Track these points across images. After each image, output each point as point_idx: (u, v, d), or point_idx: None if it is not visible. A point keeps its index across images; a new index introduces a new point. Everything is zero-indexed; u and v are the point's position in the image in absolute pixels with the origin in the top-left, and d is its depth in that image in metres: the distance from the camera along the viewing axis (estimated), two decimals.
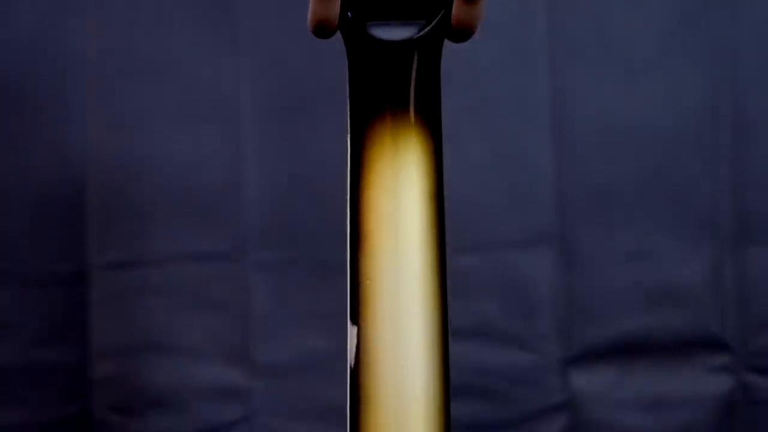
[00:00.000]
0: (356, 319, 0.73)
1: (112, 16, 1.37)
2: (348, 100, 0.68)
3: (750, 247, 1.41)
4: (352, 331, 0.74)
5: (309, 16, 0.68)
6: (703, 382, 1.41)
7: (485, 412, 1.40)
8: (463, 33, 0.69)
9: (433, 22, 0.69)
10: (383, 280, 0.72)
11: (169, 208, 1.38)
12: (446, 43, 0.68)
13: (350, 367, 0.74)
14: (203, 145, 1.38)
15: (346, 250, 0.72)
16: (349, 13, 0.69)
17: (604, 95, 1.40)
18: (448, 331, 0.73)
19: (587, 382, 1.41)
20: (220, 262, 1.39)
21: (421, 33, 0.69)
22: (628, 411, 1.41)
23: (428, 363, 0.73)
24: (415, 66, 0.70)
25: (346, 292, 0.74)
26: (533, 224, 1.41)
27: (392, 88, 0.70)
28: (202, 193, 1.38)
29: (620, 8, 1.40)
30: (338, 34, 0.67)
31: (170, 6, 1.38)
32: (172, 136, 1.38)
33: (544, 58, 1.40)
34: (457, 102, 1.36)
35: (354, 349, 0.74)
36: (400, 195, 0.73)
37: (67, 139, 1.37)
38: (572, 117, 1.40)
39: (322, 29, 0.68)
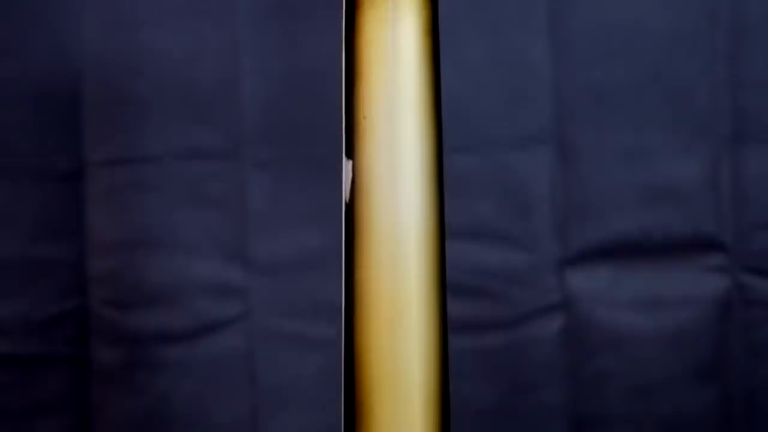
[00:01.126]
0: (351, 154, 0.73)
1: None
2: None
3: (747, 148, 1.41)
4: (347, 165, 0.74)
5: None
6: (699, 282, 1.42)
7: (481, 311, 1.41)
8: None
9: None
10: (379, 113, 0.72)
11: (165, 103, 1.38)
12: None
13: (345, 202, 0.75)
14: (200, 40, 1.38)
15: (341, 89, 0.72)
16: None
17: None
18: (442, 161, 0.73)
19: (583, 281, 1.41)
20: (216, 158, 1.39)
21: None
22: (623, 310, 1.42)
23: (424, 191, 0.73)
24: None
25: (341, 130, 0.73)
26: (530, 124, 1.41)
27: None
28: (199, 89, 1.38)
29: None
30: None
31: None
32: (169, 31, 1.38)
33: None
34: (453, 1, 1.36)
35: (349, 184, 0.74)
36: (397, 28, 0.73)
37: (64, 34, 1.37)
38: (570, 16, 1.40)
39: None
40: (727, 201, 1.41)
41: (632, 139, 1.41)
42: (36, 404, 1.37)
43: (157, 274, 1.38)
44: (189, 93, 1.38)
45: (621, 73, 1.40)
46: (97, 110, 1.37)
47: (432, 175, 0.72)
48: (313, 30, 1.37)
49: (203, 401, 1.38)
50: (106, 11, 1.37)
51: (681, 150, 1.41)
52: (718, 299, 1.42)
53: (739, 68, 1.40)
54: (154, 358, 1.38)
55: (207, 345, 1.39)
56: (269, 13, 1.38)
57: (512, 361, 1.41)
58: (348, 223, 0.74)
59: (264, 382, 1.39)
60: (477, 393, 1.40)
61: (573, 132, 1.41)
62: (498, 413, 1.41)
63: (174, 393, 1.38)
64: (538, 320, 1.41)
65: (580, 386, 1.41)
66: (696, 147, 1.41)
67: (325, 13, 1.34)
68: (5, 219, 1.38)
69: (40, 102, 1.37)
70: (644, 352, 1.42)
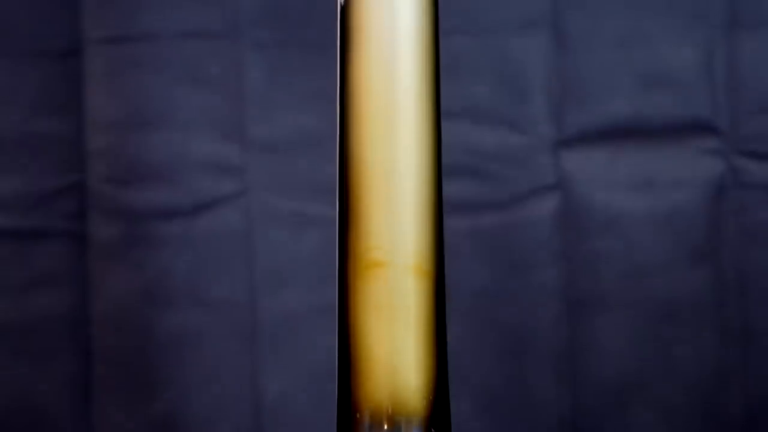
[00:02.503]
0: None
1: None
2: None
3: (742, 33, 1.41)
4: None
5: None
6: (694, 165, 1.43)
7: (476, 192, 1.42)
8: None
9: None
10: None
11: None
12: None
13: (340, 5, 0.76)
14: None
15: None
16: None
17: None
18: None
19: (579, 163, 1.43)
20: (215, 39, 1.39)
21: None
22: (618, 192, 1.43)
23: None
24: None
25: None
26: (527, 7, 1.41)
27: None
28: None
29: None
30: None
31: None
32: None
33: None
34: None
35: None
36: None
37: None
38: None
39: None
40: (722, 85, 1.42)
41: (628, 24, 1.42)
42: (35, 278, 1.38)
43: (156, 151, 1.39)
44: None
45: None
46: None
47: None
48: None
49: (201, 277, 1.40)
50: None
51: (676, 35, 1.42)
52: (712, 182, 1.43)
53: None
54: (152, 234, 1.39)
55: (205, 222, 1.40)
56: None
57: (507, 242, 1.43)
58: (343, 25, 0.75)
59: (261, 260, 1.40)
60: (471, 273, 1.42)
61: (569, 16, 1.41)
62: (492, 293, 1.42)
63: (172, 269, 1.39)
64: (533, 201, 1.42)
65: (574, 267, 1.42)
66: (691, 32, 1.42)
67: None
68: (4, 96, 1.39)
69: None
70: (638, 234, 1.43)
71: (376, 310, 0.80)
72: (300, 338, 1.40)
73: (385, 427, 0.79)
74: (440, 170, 0.79)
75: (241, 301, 1.39)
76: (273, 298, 1.40)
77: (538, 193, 1.42)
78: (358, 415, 0.80)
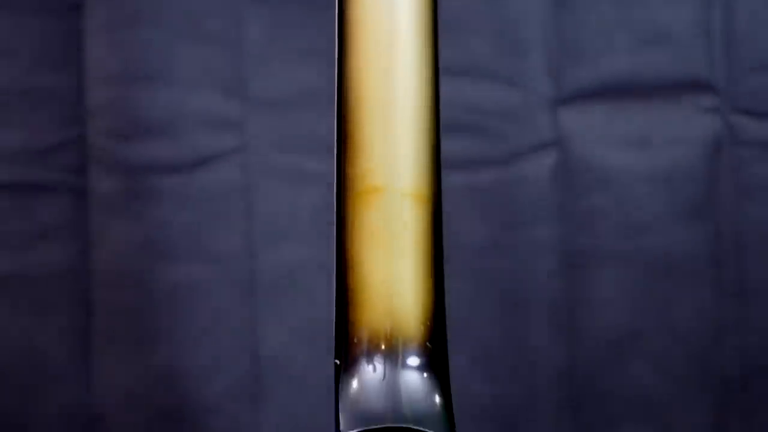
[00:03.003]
0: None
1: None
2: None
3: None
4: None
5: None
6: (691, 122, 1.44)
7: (474, 148, 1.43)
8: None
9: None
10: None
11: None
12: None
13: None
14: None
15: None
16: None
17: None
18: None
19: (576, 120, 1.43)
20: None
21: None
22: (615, 149, 1.44)
23: None
24: None
25: None
26: None
27: None
28: None
29: None
30: None
31: None
32: None
33: None
34: None
35: None
36: None
37: None
38: None
39: None
40: (719, 43, 1.43)
41: None
42: (36, 231, 1.39)
43: (155, 106, 1.40)
44: None
45: None
46: None
47: None
48: None
49: (200, 231, 1.40)
50: None
51: None
52: (709, 139, 1.44)
53: None
54: (152, 189, 1.40)
55: (204, 176, 1.41)
56: None
57: (505, 198, 1.44)
58: None
59: (260, 214, 1.41)
60: (469, 229, 1.43)
61: None
62: (489, 249, 1.43)
63: (172, 223, 1.40)
64: (531, 158, 1.43)
65: (571, 223, 1.43)
66: None
67: None
68: (5, 51, 1.39)
69: None
70: (635, 191, 1.44)
71: (374, 236, 0.81)
72: (298, 292, 1.41)
73: (383, 350, 0.80)
74: (438, 97, 0.79)
75: (240, 255, 1.40)
76: (271, 252, 1.41)
77: (536, 150, 1.43)
78: (355, 340, 0.81)
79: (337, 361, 0.82)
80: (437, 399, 0.80)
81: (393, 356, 0.80)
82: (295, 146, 1.41)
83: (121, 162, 1.40)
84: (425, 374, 0.80)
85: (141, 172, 1.40)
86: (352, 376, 0.81)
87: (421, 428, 0.80)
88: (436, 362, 0.81)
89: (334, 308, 0.83)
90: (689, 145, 1.44)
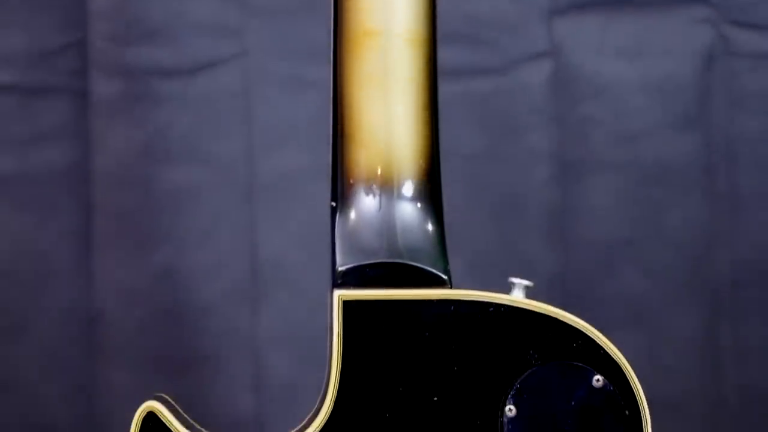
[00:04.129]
0: None
1: None
2: None
3: None
4: None
5: None
6: (684, 33, 1.45)
7: (471, 58, 1.44)
8: None
9: None
10: None
11: None
12: None
13: None
14: None
15: None
16: None
17: None
18: None
19: (571, 30, 1.45)
20: None
21: None
22: (610, 59, 1.45)
23: None
24: None
25: None
26: None
27: None
28: None
29: None
30: None
31: None
32: None
33: None
34: None
35: None
36: None
37: None
38: None
39: None
40: None
41: None
42: (37, 133, 1.41)
43: (156, 11, 1.41)
44: None
45: None
46: None
47: None
48: None
49: (200, 135, 1.42)
50: None
51: None
52: (702, 50, 1.45)
53: None
54: (152, 92, 1.41)
55: (204, 82, 1.42)
56: None
57: (500, 107, 1.45)
58: None
59: (259, 120, 1.43)
60: (465, 137, 1.44)
61: None
62: (486, 157, 1.45)
63: (171, 126, 1.42)
64: (526, 67, 1.45)
65: (565, 131, 1.45)
66: None
67: None
68: None
69: None
70: (628, 101, 1.45)
71: (370, 80, 0.83)
72: (296, 197, 1.42)
73: (379, 185, 0.82)
74: None
75: (239, 160, 1.42)
76: (270, 157, 1.43)
77: (532, 60, 1.45)
78: (351, 181, 0.83)
79: (334, 203, 0.84)
80: (431, 230, 0.82)
81: (388, 189, 0.82)
82: (294, 53, 1.43)
83: (122, 66, 1.41)
84: (419, 204, 0.82)
85: (141, 77, 1.41)
86: (348, 214, 0.83)
87: (415, 263, 0.82)
88: (430, 196, 0.83)
89: (330, 152, 0.85)
90: (682, 56, 1.45)
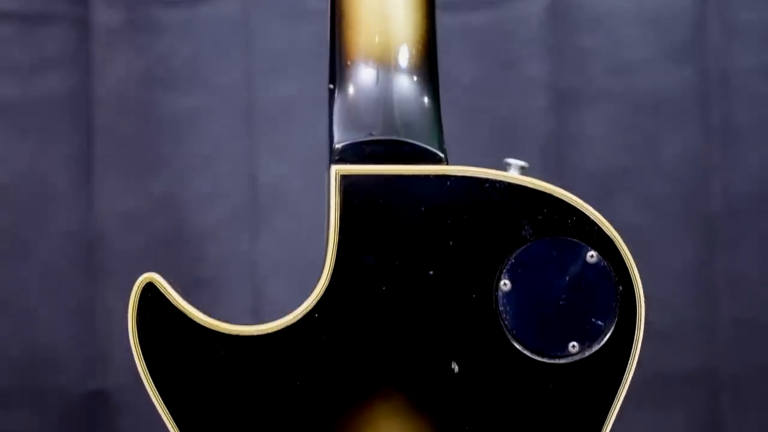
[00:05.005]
0: None
1: None
2: None
3: None
4: None
5: None
6: None
7: None
8: None
9: None
10: None
11: None
12: None
13: None
14: None
15: None
16: None
17: None
18: None
19: None
20: None
21: None
22: None
23: None
24: None
25: None
26: None
27: None
28: None
29: None
30: None
31: None
32: None
33: None
34: None
35: None
36: None
37: None
38: None
39: None
40: None
41: None
42: (39, 60, 1.42)
43: None
44: None
45: None
46: None
47: None
48: None
49: (200, 63, 1.43)
50: None
51: None
52: None
53: None
54: (153, 20, 1.42)
55: (204, 10, 1.43)
56: None
57: (498, 38, 1.46)
58: None
59: (259, 49, 1.44)
60: (463, 68, 1.45)
61: None
62: (483, 86, 1.46)
63: (172, 54, 1.43)
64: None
65: (562, 61, 1.46)
66: None
67: None
68: None
69: None
70: (624, 32, 1.47)
71: None
72: (295, 125, 1.43)
73: (376, 63, 0.83)
74: None
75: (239, 87, 1.43)
76: (269, 85, 1.44)
77: None
78: (349, 63, 0.84)
79: (332, 86, 0.85)
80: (427, 107, 0.83)
81: (385, 67, 0.83)
82: None
83: None
84: (415, 81, 0.84)
85: (142, 4, 1.42)
86: (345, 94, 0.84)
87: (411, 140, 0.83)
88: (426, 73, 0.84)
89: (329, 36, 0.86)
90: None
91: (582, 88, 1.46)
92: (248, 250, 1.43)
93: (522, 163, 0.85)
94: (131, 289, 1.40)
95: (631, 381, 1.48)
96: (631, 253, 1.45)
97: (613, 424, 1.42)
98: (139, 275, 1.40)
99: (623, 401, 1.42)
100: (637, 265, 1.45)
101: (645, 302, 0.83)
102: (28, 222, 1.41)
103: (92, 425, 1.40)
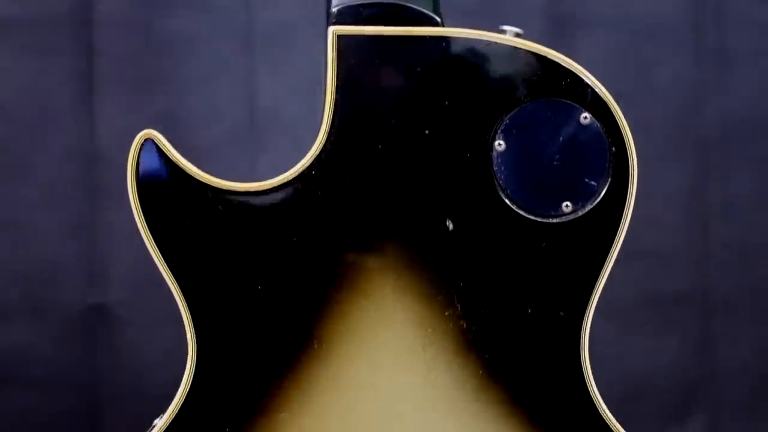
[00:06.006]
0: None
1: None
2: None
3: None
4: None
5: None
6: None
7: None
8: None
9: None
10: None
11: None
12: None
13: None
14: None
15: None
16: None
17: None
18: None
19: None
20: None
21: None
22: None
23: None
24: None
25: None
26: None
27: None
28: None
29: None
30: None
31: None
32: None
33: None
34: None
35: None
36: None
37: None
38: None
39: None
40: None
41: None
42: None
43: None
44: None
45: None
46: None
47: None
48: None
49: None
50: None
51: None
52: None
53: None
54: None
55: None
56: None
57: None
58: None
59: None
60: None
61: None
62: (481, 13, 1.47)
63: None
64: None
65: None
66: None
67: None
68: None
69: None
70: None
71: None
72: (293, 49, 1.45)
73: None
74: None
75: (238, 9, 1.44)
76: (269, 6, 1.45)
77: None
78: None
79: None
80: None
81: None
82: None
83: None
84: None
85: None
86: None
87: (408, 3, 0.84)
88: None
89: None
90: None
91: (577, 13, 1.48)
92: (247, 171, 1.44)
93: (517, 29, 0.86)
94: (131, 207, 1.42)
95: (624, 303, 1.50)
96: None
97: (606, 347, 1.45)
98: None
99: (615, 324, 1.44)
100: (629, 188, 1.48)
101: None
102: (29, 139, 1.42)
103: (93, 338, 1.42)
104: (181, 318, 0.85)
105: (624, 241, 1.47)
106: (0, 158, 1.41)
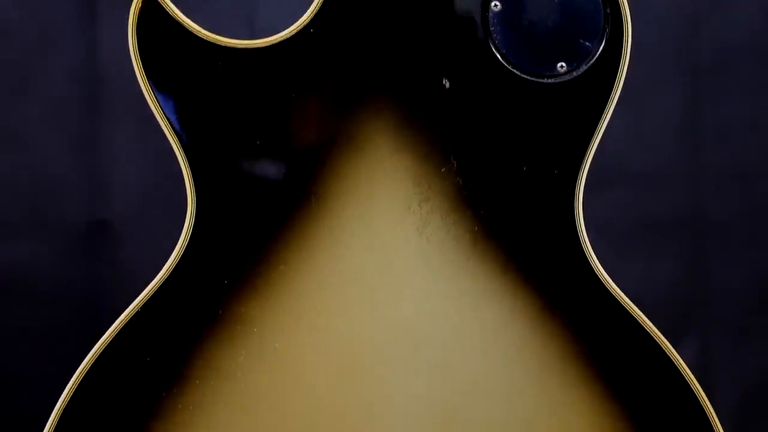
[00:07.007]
0: None
1: None
2: None
3: None
4: None
5: None
6: None
7: None
8: None
9: None
10: None
11: None
12: None
13: None
14: None
15: None
16: None
17: None
18: None
19: None
20: None
21: None
22: None
23: None
24: None
25: None
26: None
27: None
28: None
29: None
30: None
31: None
32: None
33: None
34: None
35: None
36: None
37: None
38: None
39: None
40: None
41: None
42: None
43: None
44: None
45: None
46: None
47: None
48: None
49: None
50: None
51: None
52: None
53: None
54: None
55: None
56: None
57: None
58: None
59: None
60: None
61: None
62: None
63: None
64: None
65: None
66: None
67: None
68: None
69: None
70: None
71: None
72: None
73: None
74: None
75: None
76: None
77: None
78: None
79: None
80: None
81: None
82: None
83: None
84: None
85: None
86: None
87: None
88: None
89: None
90: None
91: None
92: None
93: None
94: (131, 127, 1.44)
95: (618, 228, 1.51)
96: (618, 101, 1.49)
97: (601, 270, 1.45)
98: (141, 110, 1.43)
99: (611, 249, 1.45)
100: (624, 113, 1.49)
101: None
102: (33, 59, 1.43)
103: (95, 254, 1.43)
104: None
105: (616, 165, 1.50)
106: (2, 76, 1.43)
